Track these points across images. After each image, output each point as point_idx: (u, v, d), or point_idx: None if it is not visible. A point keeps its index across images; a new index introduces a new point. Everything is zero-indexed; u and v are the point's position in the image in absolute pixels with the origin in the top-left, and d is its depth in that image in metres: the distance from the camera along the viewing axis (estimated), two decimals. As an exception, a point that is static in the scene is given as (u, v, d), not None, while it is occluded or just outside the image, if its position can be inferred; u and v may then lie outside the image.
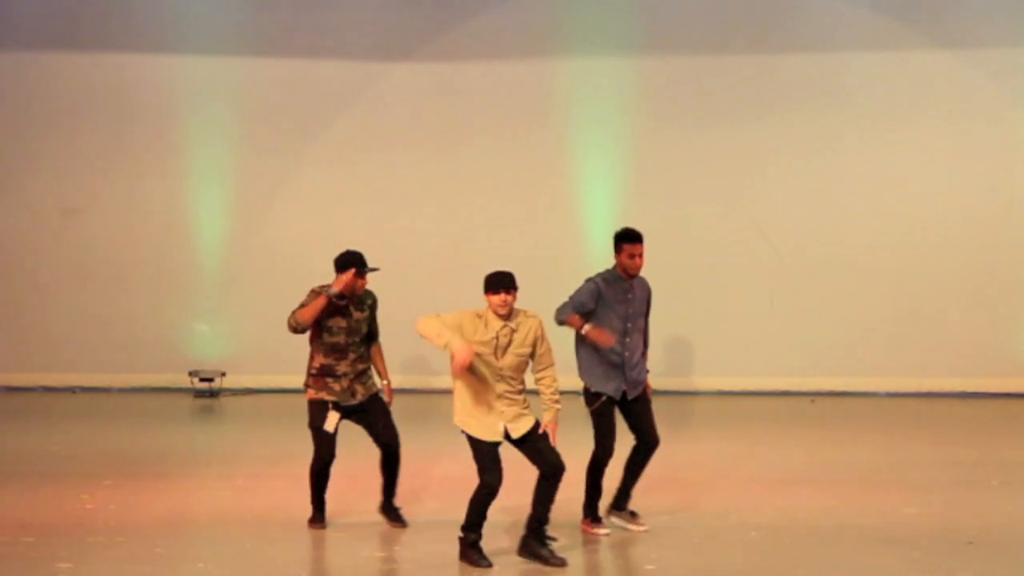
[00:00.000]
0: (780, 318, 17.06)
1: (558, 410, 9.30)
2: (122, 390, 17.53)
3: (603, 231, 16.56)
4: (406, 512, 10.34)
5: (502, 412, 9.23)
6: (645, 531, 10.09)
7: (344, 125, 17.52)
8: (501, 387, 9.21)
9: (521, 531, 9.34)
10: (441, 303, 17.21)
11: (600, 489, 10.13)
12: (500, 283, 9.26)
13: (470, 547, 9.22)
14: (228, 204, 17.63)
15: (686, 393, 16.93)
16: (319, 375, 10.15)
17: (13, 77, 17.70)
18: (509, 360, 9.25)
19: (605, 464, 10.06)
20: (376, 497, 10.34)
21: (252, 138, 17.59)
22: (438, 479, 11.67)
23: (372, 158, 17.50)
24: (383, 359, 10.39)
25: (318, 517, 10.29)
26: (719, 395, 16.98)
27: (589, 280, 10.13)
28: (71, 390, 17.56)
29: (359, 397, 10.17)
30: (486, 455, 9.17)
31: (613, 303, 10.03)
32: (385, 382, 10.33)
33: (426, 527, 10.21)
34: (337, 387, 10.11)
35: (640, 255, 10.04)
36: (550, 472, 9.18)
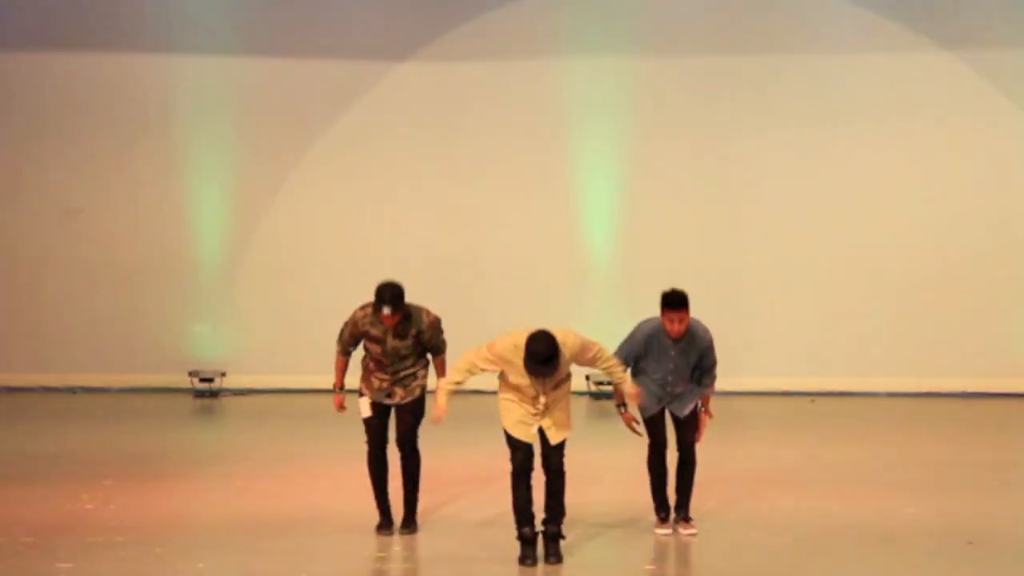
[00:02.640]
0: (780, 318, 17.06)
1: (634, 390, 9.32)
2: (122, 390, 17.52)
3: (603, 231, 16.63)
4: (401, 516, 10.32)
5: (538, 417, 9.13)
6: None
7: (344, 125, 17.52)
8: (542, 400, 9.10)
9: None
10: (440, 303, 17.21)
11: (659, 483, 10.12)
12: (535, 360, 8.80)
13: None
14: (228, 204, 17.63)
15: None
16: (364, 372, 10.05)
17: (13, 77, 17.69)
18: (552, 389, 9.14)
19: (653, 456, 10.04)
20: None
21: (252, 138, 17.59)
22: (440, 479, 11.66)
23: (372, 158, 17.50)
24: (442, 371, 9.92)
25: (383, 522, 10.07)
26: (719, 395, 16.92)
27: (640, 327, 10.05)
28: (71, 390, 17.55)
29: (397, 399, 9.98)
30: (516, 447, 9.11)
31: (658, 351, 9.96)
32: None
33: (426, 526, 10.21)
34: (379, 385, 9.96)
35: (680, 321, 9.85)
36: (553, 470, 9.23)
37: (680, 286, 17.05)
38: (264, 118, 17.56)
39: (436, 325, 9.94)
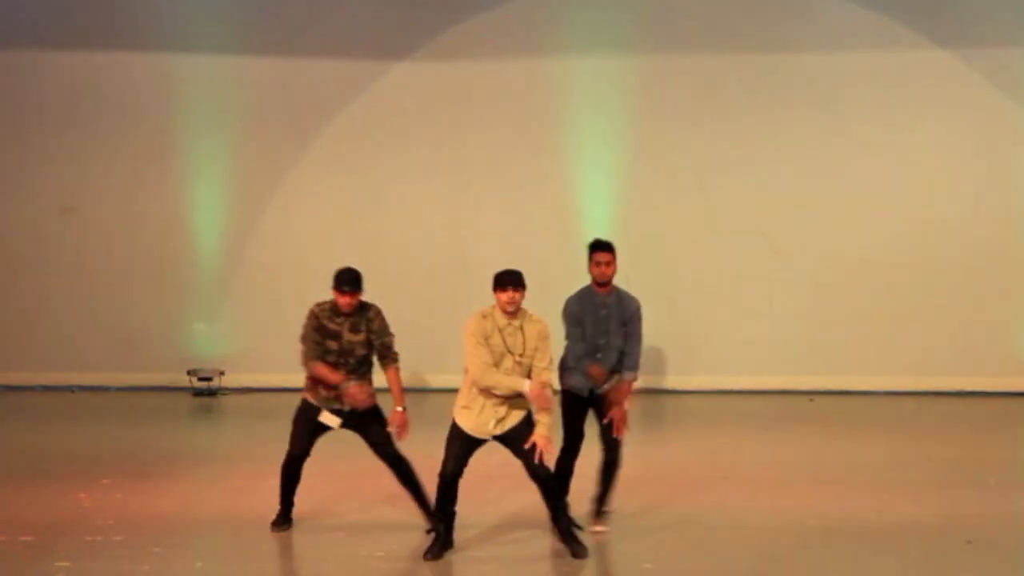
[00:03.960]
0: (779, 318, 17.07)
1: (547, 424, 9.30)
2: (121, 389, 17.52)
3: (603, 231, 16.58)
4: (403, 510, 10.32)
5: (496, 410, 9.35)
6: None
7: (344, 125, 17.52)
8: (510, 360, 9.36)
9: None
10: (440, 302, 17.29)
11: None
12: (507, 280, 9.37)
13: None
14: (227, 203, 17.63)
15: (685, 392, 16.93)
16: (310, 382, 10.02)
17: (13, 77, 17.69)
18: (510, 364, 9.30)
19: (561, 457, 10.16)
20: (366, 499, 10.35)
21: (251, 138, 17.58)
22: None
23: (371, 158, 17.50)
24: (398, 384, 9.99)
25: (280, 519, 10.19)
26: (718, 394, 16.98)
27: (564, 309, 10.20)
28: (70, 389, 17.55)
29: (348, 406, 9.98)
30: (457, 445, 9.40)
31: (591, 312, 10.11)
32: (399, 409, 9.92)
33: (422, 524, 10.20)
34: (324, 393, 9.97)
35: (607, 264, 10.12)
36: (535, 479, 9.34)
37: (680, 285, 17.18)
38: (263, 118, 17.56)
39: (381, 312, 10.03)
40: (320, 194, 17.51)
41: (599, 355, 10.09)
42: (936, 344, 16.91)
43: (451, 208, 17.41)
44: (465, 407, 9.44)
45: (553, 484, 9.43)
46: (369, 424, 10.01)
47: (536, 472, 9.35)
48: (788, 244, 17.12)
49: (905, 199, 16.98)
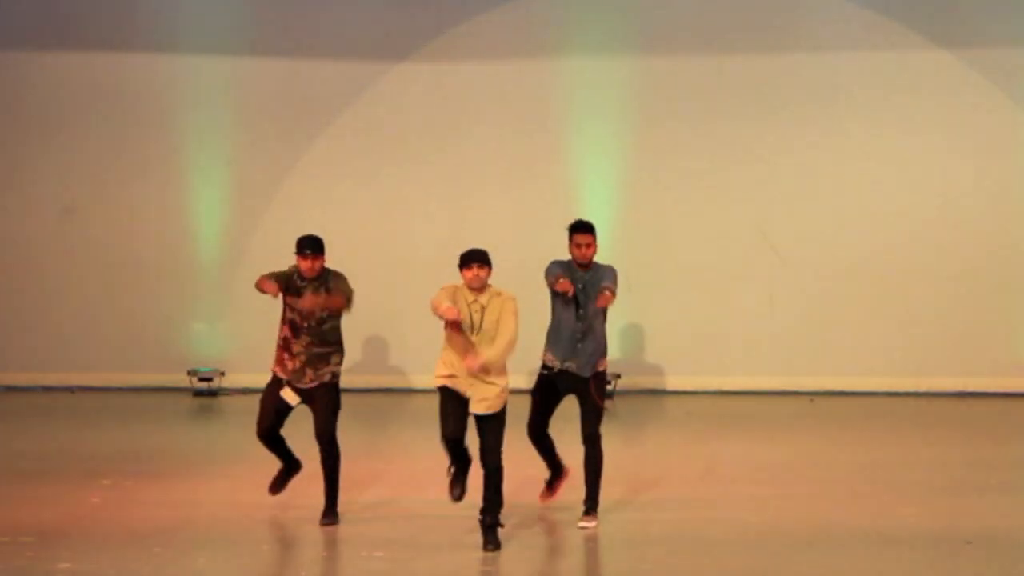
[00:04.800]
0: (780, 318, 17.05)
1: (483, 363, 9.53)
2: (121, 389, 17.50)
3: (603, 230, 16.53)
4: (402, 510, 10.32)
5: (471, 384, 9.59)
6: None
7: (343, 125, 17.51)
8: (474, 336, 9.61)
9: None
10: (440, 303, 17.22)
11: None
12: (472, 258, 9.69)
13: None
14: (227, 203, 17.62)
15: (685, 393, 16.92)
16: (280, 347, 10.41)
17: (13, 77, 17.68)
18: (481, 338, 9.57)
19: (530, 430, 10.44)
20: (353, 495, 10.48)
21: (251, 138, 17.57)
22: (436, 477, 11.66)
23: (371, 158, 17.49)
24: (340, 303, 10.38)
25: (287, 470, 10.59)
26: (718, 395, 16.97)
27: (552, 261, 10.52)
28: (70, 389, 17.54)
29: (306, 382, 10.34)
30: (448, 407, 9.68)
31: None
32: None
33: (427, 526, 10.21)
34: (291, 366, 10.34)
35: (588, 246, 10.41)
36: (483, 466, 9.60)
37: (680, 285, 17.18)
38: (263, 117, 17.55)
39: (343, 276, 10.48)
40: (321, 194, 17.49)
41: (579, 323, 10.26)
42: (937, 345, 16.89)
43: (452, 208, 17.39)
44: (442, 375, 9.78)
45: (497, 479, 9.60)
46: (317, 401, 10.35)
47: (485, 460, 9.57)
48: (788, 245, 17.11)
49: (905, 199, 16.97)
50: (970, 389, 16.78)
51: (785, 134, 17.08)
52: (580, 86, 17.23)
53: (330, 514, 10.35)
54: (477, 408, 9.63)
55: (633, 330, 16.74)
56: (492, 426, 9.60)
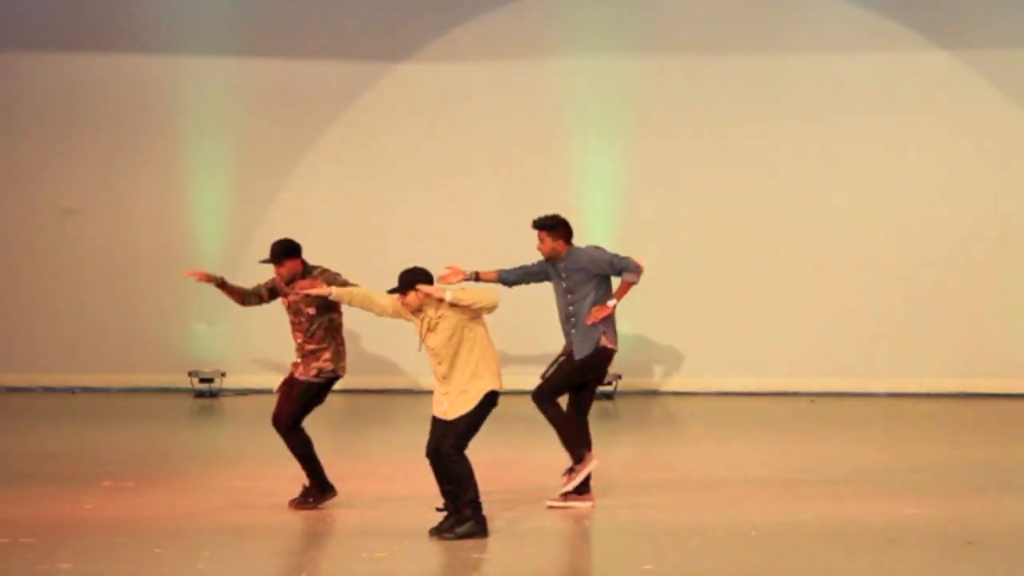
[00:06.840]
0: (780, 318, 17.05)
1: (444, 293, 9.85)
2: (121, 390, 17.52)
3: (603, 230, 16.58)
4: (402, 516, 10.31)
5: (445, 392, 9.72)
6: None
7: (344, 125, 17.52)
8: (436, 368, 9.74)
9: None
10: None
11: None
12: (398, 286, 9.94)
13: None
14: (227, 204, 17.63)
15: (685, 393, 16.94)
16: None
17: (13, 77, 17.69)
18: (432, 341, 9.73)
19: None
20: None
21: (251, 138, 17.59)
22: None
23: (372, 157, 17.50)
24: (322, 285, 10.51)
25: (317, 492, 10.76)
26: (719, 395, 16.97)
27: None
28: (71, 390, 17.55)
29: (298, 372, 10.75)
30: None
31: (554, 278, 10.80)
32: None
33: (427, 524, 10.20)
34: (296, 359, 10.78)
35: (541, 241, 10.77)
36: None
37: (680, 285, 17.18)
38: (264, 118, 17.56)
39: (326, 270, 10.73)
40: (321, 194, 17.50)
41: (571, 308, 10.56)
42: (938, 346, 16.90)
43: (452, 208, 17.40)
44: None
45: (433, 467, 9.69)
46: (290, 398, 10.67)
47: (428, 451, 9.67)
48: (789, 245, 17.11)
49: (906, 200, 16.98)
50: (971, 389, 16.78)
51: (785, 134, 17.08)
52: (581, 86, 17.24)
53: (304, 497, 10.65)
54: (435, 411, 9.75)
55: (633, 331, 16.74)
56: (448, 430, 9.66)
